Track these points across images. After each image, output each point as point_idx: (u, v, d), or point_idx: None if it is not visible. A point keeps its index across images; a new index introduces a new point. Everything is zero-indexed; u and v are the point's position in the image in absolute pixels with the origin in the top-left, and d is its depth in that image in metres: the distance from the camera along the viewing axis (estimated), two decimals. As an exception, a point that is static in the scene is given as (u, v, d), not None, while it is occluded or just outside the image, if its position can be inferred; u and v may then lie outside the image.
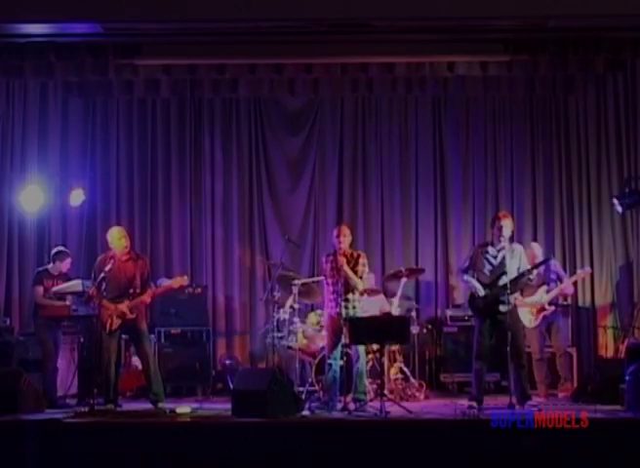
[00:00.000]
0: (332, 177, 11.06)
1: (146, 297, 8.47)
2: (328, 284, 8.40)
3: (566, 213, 10.80)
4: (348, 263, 8.27)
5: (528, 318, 9.11)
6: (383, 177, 11.01)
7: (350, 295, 8.28)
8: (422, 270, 10.23)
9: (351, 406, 8.06)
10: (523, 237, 10.46)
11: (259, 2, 8.34)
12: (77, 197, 10.17)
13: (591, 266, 10.49)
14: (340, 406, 8.17)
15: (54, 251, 9.23)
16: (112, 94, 10.55)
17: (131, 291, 8.40)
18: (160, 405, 8.27)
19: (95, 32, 8.83)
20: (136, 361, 9.38)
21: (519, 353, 8.07)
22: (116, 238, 8.53)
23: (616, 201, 9.63)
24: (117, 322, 8.31)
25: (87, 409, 7.85)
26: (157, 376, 8.48)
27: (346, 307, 8.23)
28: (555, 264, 9.51)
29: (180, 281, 8.68)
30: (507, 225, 8.17)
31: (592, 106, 10.75)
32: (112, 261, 8.42)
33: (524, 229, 10.71)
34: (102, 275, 8.27)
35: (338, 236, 8.33)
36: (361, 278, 8.32)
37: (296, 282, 9.37)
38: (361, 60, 9.65)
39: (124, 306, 8.32)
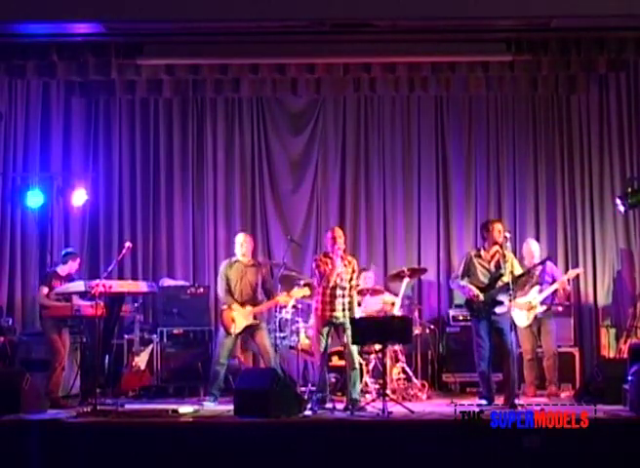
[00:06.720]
0: (334, 177, 11.05)
1: (271, 304, 8.72)
2: (322, 286, 8.29)
3: (568, 212, 10.78)
4: (346, 267, 8.26)
5: (521, 318, 9.14)
6: (386, 177, 11.00)
7: (346, 298, 8.24)
8: (425, 270, 10.22)
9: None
10: (525, 236, 10.44)
11: (261, 2, 8.35)
12: (79, 197, 10.21)
13: (594, 266, 10.54)
14: (342, 406, 8.16)
15: (64, 251, 9.25)
16: (115, 93, 10.55)
17: (254, 297, 8.61)
18: None
19: (97, 32, 8.85)
20: (138, 361, 9.40)
21: (507, 355, 8.15)
22: (237, 244, 8.81)
23: (618, 201, 9.62)
24: (241, 327, 8.50)
25: (89, 408, 7.84)
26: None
27: (343, 310, 8.22)
28: (551, 266, 9.56)
29: (302, 291, 8.78)
30: (499, 230, 8.33)
31: (595, 106, 10.74)
32: (236, 266, 8.68)
33: (526, 229, 10.71)
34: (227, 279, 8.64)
35: (334, 238, 8.27)
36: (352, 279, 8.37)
37: (298, 282, 9.37)
38: (363, 60, 9.66)
39: (248, 312, 8.51)
